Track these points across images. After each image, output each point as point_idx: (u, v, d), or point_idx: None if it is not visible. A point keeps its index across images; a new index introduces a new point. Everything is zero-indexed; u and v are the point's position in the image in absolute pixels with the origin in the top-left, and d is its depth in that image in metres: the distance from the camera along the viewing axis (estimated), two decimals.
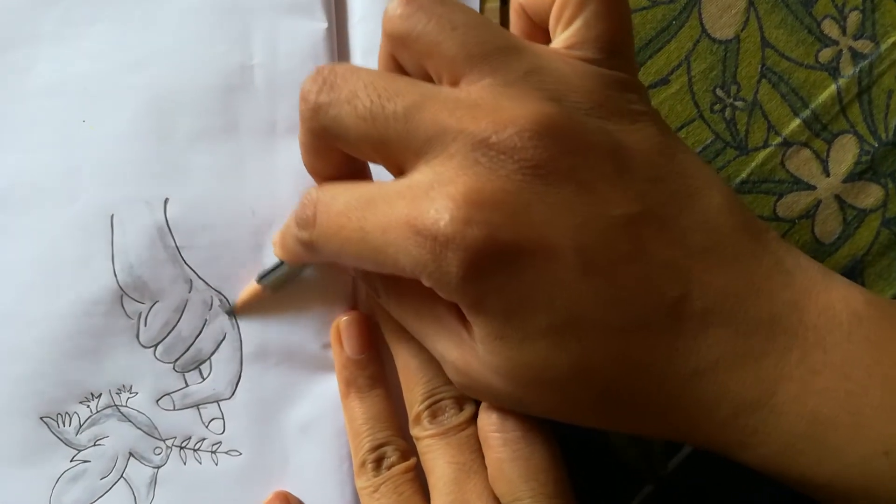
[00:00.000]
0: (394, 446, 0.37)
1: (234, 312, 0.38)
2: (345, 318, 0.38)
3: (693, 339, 0.30)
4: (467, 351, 0.31)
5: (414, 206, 0.29)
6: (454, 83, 0.31)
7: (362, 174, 0.35)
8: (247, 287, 0.38)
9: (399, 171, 0.31)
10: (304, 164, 0.34)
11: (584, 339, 0.30)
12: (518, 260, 0.29)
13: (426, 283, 0.30)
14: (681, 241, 0.31)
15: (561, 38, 0.32)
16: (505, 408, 0.33)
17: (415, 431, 0.36)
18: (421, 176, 0.30)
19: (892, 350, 0.30)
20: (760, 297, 0.31)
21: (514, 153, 0.29)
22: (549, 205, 0.29)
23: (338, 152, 0.33)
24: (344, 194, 0.32)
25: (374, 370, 0.38)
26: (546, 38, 0.33)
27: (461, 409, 0.35)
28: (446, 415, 0.35)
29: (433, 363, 0.35)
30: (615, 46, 0.32)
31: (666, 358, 0.30)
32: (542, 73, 0.31)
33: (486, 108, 0.29)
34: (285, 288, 0.38)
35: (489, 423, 0.34)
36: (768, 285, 0.31)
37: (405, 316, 0.34)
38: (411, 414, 0.36)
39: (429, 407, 0.35)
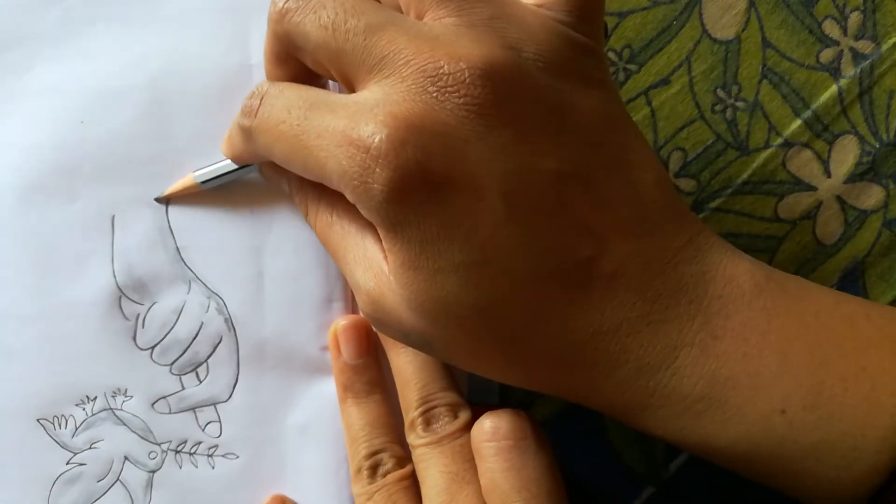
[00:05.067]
0: (390, 453, 0.37)
1: (165, 200, 0.38)
2: (343, 322, 0.38)
3: (599, 299, 0.31)
4: (383, 282, 0.32)
5: (354, 117, 0.30)
6: (419, 17, 0.32)
7: None
8: (182, 179, 0.38)
9: (351, 88, 0.32)
10: (266, 72, 0.35)
11: (495, 279, 0.30)
12: (444, 191, 0.29)
13: (350, 196, 0.30)
14: (604, 207, 0.31)
15: None
16: (410, 346, 0.34)
17: (410, 439, 0.36)
18: (369, 94, 0.30)
19: (786, 317, 0.32)
20: (670, 268, 0.32)
21: (462, 89, 0.29)
22: (485, 146, 0.30)
23: (297, 63, 0.33)
24: (291, 91, 0.33)
25: (371, 375, 0.38)
26: None
27: (455, 417, 0.35)
28: (440, 422, 0.35)
29: (428, 369, 0.36)
30: (585, 13, 0.32)
31: (569, 313, 0.31)
32: (507, 20, 0.31)
33: (444, 42, 0.30)
34: (278, 280, 0.38)
35: (481, 432, 0.34)
36: (678, 258, 0.32)
37: (330, 236, 0.34)
38: (406, 420, 0.36)
39: (423, 414, 0.35)
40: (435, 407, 0.35)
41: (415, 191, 0.29)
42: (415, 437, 0.36)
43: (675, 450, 0.42)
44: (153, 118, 0.38)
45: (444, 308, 0.31)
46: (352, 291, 0.39)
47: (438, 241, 0.30)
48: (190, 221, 0.38)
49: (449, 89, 0.29)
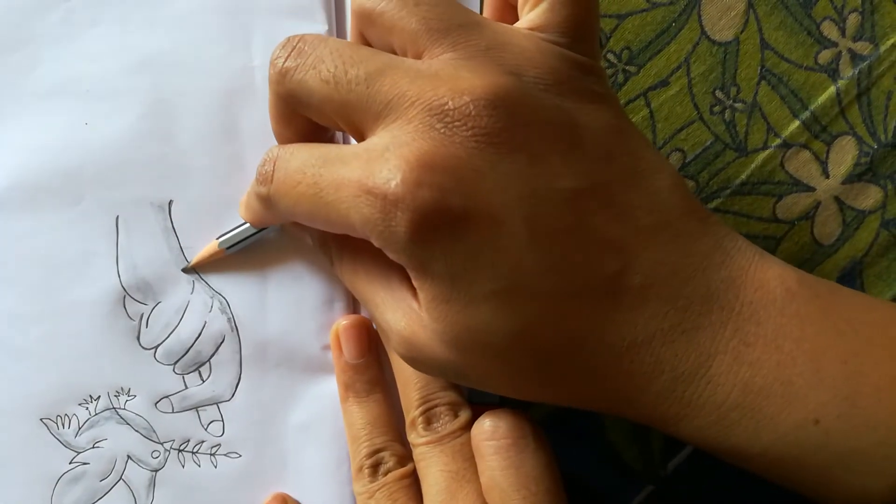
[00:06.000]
0: (391, 451, 0.37)
1: (192, 270, 0.38)
2: (344, 322, 0.38)
3: (630, 312, 0.31)
4: (414, 320, 0.32)
5: (368, 166, 0.30)
6: (417, 57, 0.32)
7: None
8: (206, 246, 0.38)
9: (360, 136, 0.32)
10: (273, 132, 0.35)
11: (525, 305, 0.31)
12: (465, 225, 0.30)
13: (376, 242, 0.31)
14: (624, 218, 0.31)
15: (527, 19, 0.33)
16: (451, 381, 0.35)
17: (410, 438, 0.36)
18: (378, 139, 0.31)
19: (819, 324, 0.32)
20: (698, 274, 0.32)
21: (469, 121, 0.30)
22: (499, 173, 0.30)
23: (303, 119, 0.34)
24: (302, 152, 0.33)
25: (372, 374, 0.38)
26: (516, 18, 0.34)
27: (456, 416, 0.35)
28: (441, 421, 0.35)
29: None
30: (579, 31, 0.32)
31: (603, 329, 0.31)
32: (504, 48, 0.31)
33: (445, 77, 0.30)
34: (279, 280, 0.38)
35: (481, 431, 0.34)
36: (707, 263, 0.32)
37: (357, 282, 0.35)
38: (407, 419, 0.36)
39: (423, 413, 0.36)
40: (435, 406, 0.36)
41: (436, 228, 0.29)
42: (415, 436, 0.36)
43: (673, 449, 0.42)
44: (156, 119, 0.38)
45: (478, 338, 0.31)
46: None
47: (466, 274, 0.30)
48: (193, 221, 0.38)
49: (456, 124, 0.30)
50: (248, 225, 0.37)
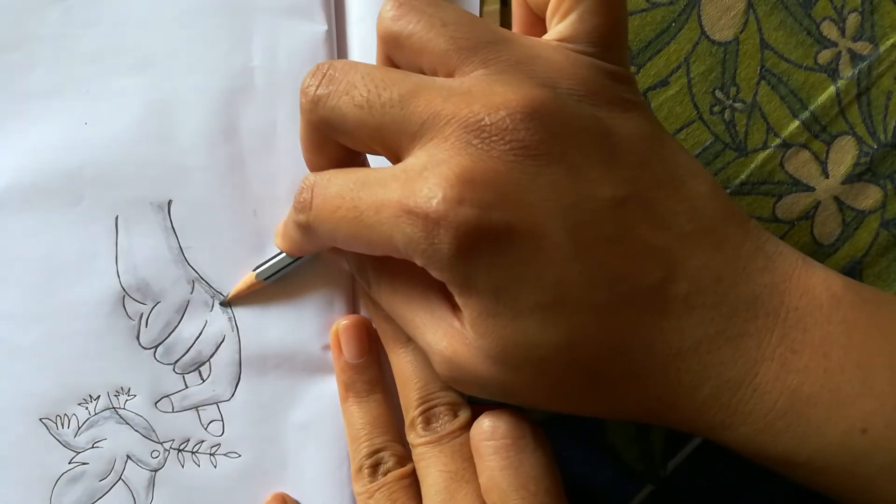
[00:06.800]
0: (390, 451, 0.37)
1: (228, 304, 0.38)
2: (344, 321, 0.38)
3: (677, 320, 0.31)
4: (456, 338, 0.32)
5: (408, 186, 0.30)
6: (449, 76, 0.32)
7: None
8: (243, 278, 0.38)
9: (396, 158, 0.32)
10: (305, 161, 0.35)
11: (572, 316, 0.30)
12: (508, 238, 0.30)
13: (418, 261, 0.31)
14: (666, 225, 0.31)
15: (556, 30, 0.33)
16: (492, 400, 0.34)
17: (410, 438, 0.36)
18: (415, 159, 0.31)
19: (867, 331, 0.31)
20: (742, 280, 0.32)
21: (506, 135, 0.30)
22: (539, 185, 0.30)
23: (336, 146, 0.33)
24: (339, 177, 0.32)
25: (372, 374, 0.38)
26: (545, 31, 0.34)
27: (455, 416, 0.35)
28: (440, 421, 0.35)
29: (428, 368, 0.36)
30: (609, 40, 0.32)
31: (650, 337, 0.31)
32: (534, 61, 0.31)
33: (478, 94, 0.30)
34: (280, 280, 0.38)
35: (480, 431, 0.34)
36: (750, 269, 0.32)
37: (395, 304, 0.34)
38: (407, 419, 0.36)
39: (423, 413, 0.36)
40: (435, 406, 0.36)
41: (479, 244, 0.29)
42: (415, 436, 0.36)
43: (673, 449, 0.42)
44: (155, 119, 0.38)
45: (525, 352, 0.31)
46: (354, 291, 0.39)
47: (511, 287, 0.30)
48: (192, 221, 0.38)
49: (493, 138, 0.30)
50: (284, 255, 0.37)
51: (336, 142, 0.33)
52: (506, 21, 0.41)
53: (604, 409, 0.33)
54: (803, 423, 0.31)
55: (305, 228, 0.34)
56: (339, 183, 0.32)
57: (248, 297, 0.38)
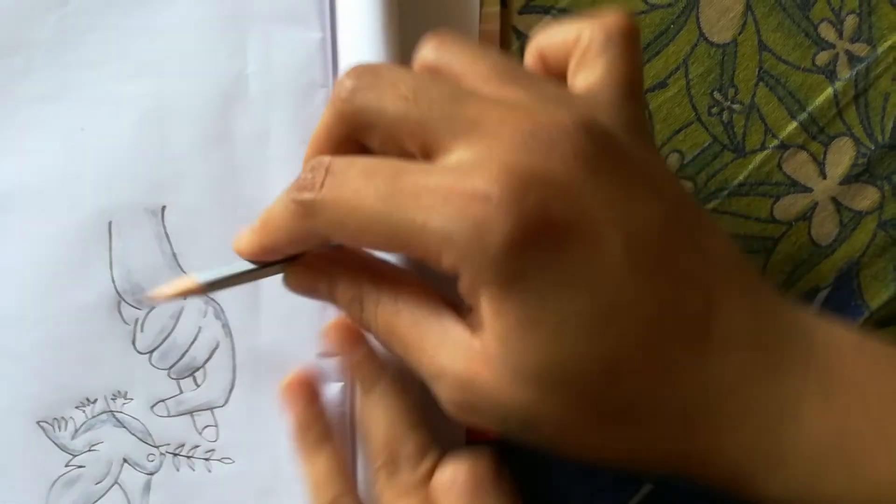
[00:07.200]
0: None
1: (145, 299, 0.38)
2: (290, 378, 0.38)
3: (719, 353, 0.30)
4: (477, 359, 0.29)
5: (462, 173, 0.28)
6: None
7: None
8: (183, 279, 0.33)
9: (429, 158, 0.30)
10: (310, 153, 0.32)
11: (622, 332, 0.29)
12: (567, 238, 0.28)
13: (451, 256, 0.28)
14: (703, 256, 0.30)
15: (581, 78, 0.32)
16: (503, 435, 0.32)
17: (375, 489, 0.35)
18: (465, 154, 0.29)
19: None
20: (776, 318, 0.31)
21: (565, 138, 0.28)
22: (599, 193, 0.29)
23: (356, 147, 0.31)
24: (364, 160, 0.30)
25: (320, 429, 0.37)
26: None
27: (419, 463, 0.34)
28: (403, 471, 0.35)
29: (394, 411, 0.35)
30: (634, 87, 0.32)
31: (694, 369, 0.30)
32: (570, 97, 0.31)
33: (529, 107, 0.29)
34: (274, 286, 0.34)
35: (440, 483, 0.33)
36: (780, 309, 0.31)
37: (397, 326, 0.32)
38: (370, 469, 0.36)
39: (385, 463, 0.35)
40: (399, 453, 0.35)
41: (538, 239, 0.27)
42: (378, 486, 0.35)
43: None
44: (151, 125, 0.38)
45: (565, 370, 0.29)
46: None
47: (560, 291, 0.28)
48: (186, 227, 0.38)
49: (552, 140, 0.28)
50: (237, 265, 0.33)
51: (357, 143, 0.31)
52: (504, 23, 0.41)
53: (638, 452, 0.31)
54: (850, 463, 0.30)
55: (306, 210, 0.30)
56: (365, 164, 0.29)
57: (242, 302, 0.38)
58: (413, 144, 0.30)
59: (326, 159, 0.30)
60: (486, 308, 0.29)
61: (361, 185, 0.29)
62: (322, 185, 0.29)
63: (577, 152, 0.28)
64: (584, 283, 0.28)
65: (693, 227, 0.31)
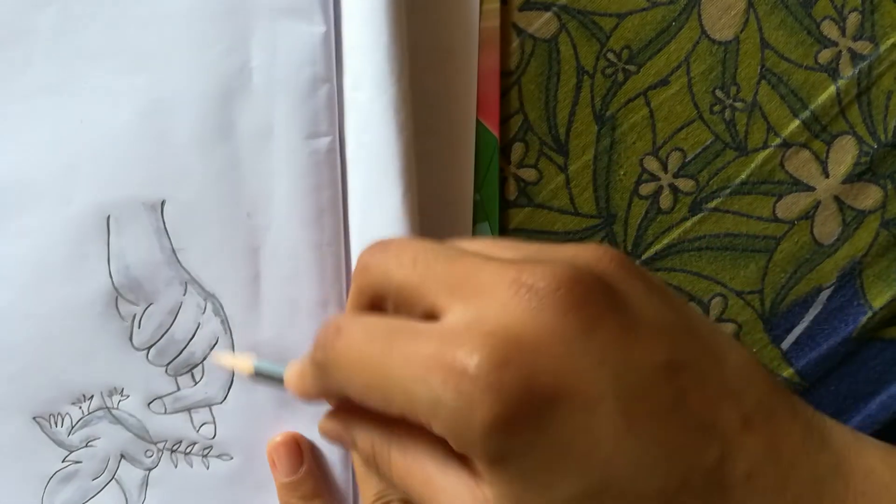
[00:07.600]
0: None
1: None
2: (277, 438, 0.38)
3: None
4: None
5: (446, 341, 0.27)
6: None
7: None
8: (239, 359, 0.36)
9: (428, 316, 0.30)
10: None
11: None
12: (554, 408, 0.26)
13: (438, 427, 0.27)
14: (718, 398, 0.29)
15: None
16: None
17: None
18: (454, 316, 0.28)
19: None
20: (802, 459, 0.29)
21: (556, 293, 0.27)
22: (592, 345, 0.27)
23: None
24: (370, 319, 0.30)
25: (308, 488, 0.38)
26: None
27: None
28: None
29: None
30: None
31: None
32: (566, 248, 0.30)
33: (524, 261, 0.29)
34: (273, 282, 0.38)
35: None
36: (808, 447, 0.29)
37: (410, 482, 0.31)
38: None
39: None
40: None
41: (522, 416, 0.26)
42: None
43: None
44: (151, 119, 0.38)
45: None
46: (348, 293, 0.39)
47: (550, 470, 0.27)
48: (186, 222, 0.38)
49: (542, 291, 0.27)
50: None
51: (378, 308, 0.31)
52: (504, 20, 0.41)
53: None
54: None
55: (320, 368, 0.31)
56: (368, 325, 0.30)
57: (241, 298, 0.38)
58: (418, 308, 0.30)
59: (338, 318, 0.31)
60: (481, 468, 0.28)
61: (364, 347, 0.29)
62: (333, 345, 0.30)
63: (569, 306, 0.27)
64: (573, 464, 0.27)
65: (707, 363, 0.29)
